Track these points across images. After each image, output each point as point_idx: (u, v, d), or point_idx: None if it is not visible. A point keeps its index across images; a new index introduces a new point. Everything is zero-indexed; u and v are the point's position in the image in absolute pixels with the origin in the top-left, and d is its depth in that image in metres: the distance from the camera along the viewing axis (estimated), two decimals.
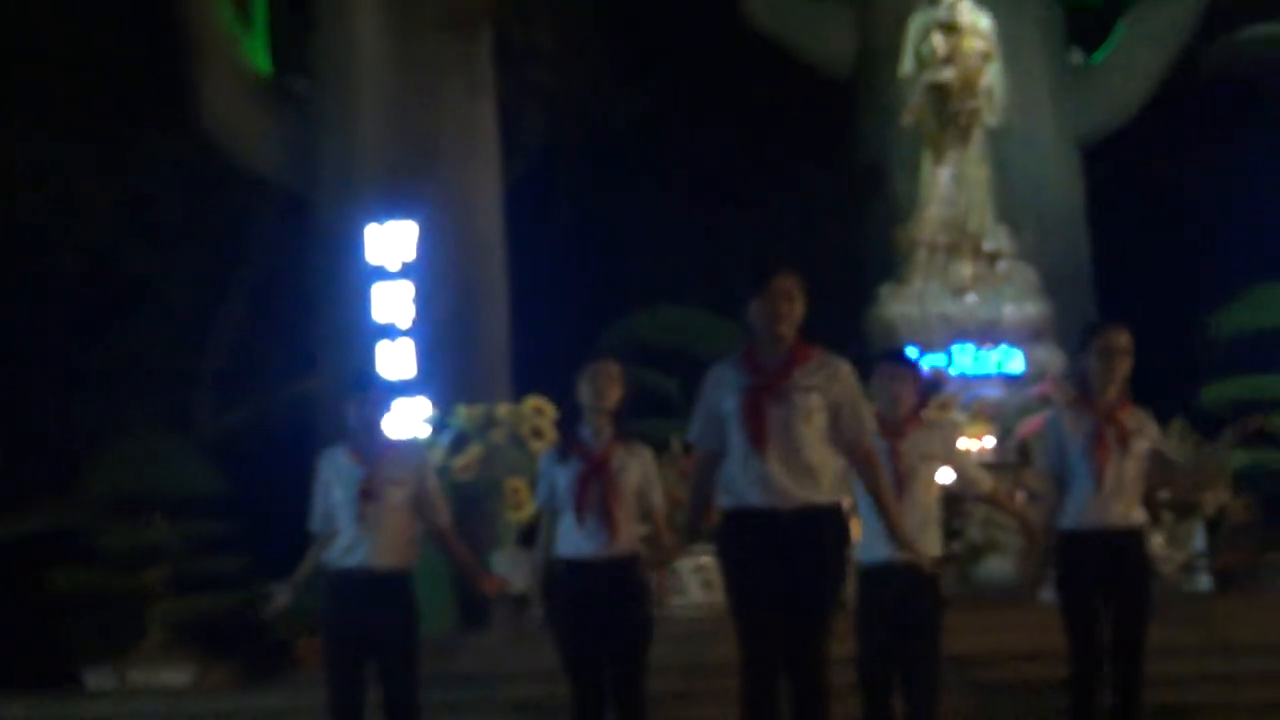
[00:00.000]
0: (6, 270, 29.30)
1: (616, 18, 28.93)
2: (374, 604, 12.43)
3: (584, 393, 12.09)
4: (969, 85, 20.56)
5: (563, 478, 12.09)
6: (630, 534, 12.16)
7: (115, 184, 28.80)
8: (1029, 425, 18.84)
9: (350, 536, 12.39)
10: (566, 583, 12.22)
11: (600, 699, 12.10)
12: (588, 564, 12.06)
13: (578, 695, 12.14)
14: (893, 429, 12.10)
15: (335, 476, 12.52)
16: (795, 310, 11.25)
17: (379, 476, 12.41)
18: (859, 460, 11.19)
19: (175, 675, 21.10)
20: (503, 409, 19.65)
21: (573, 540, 12.07)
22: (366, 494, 12.36)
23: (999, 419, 19.50)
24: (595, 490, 11.97)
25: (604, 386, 12.07)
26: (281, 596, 12.86)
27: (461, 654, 17.17)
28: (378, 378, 13.97)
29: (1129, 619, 12.11)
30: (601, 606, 12.13)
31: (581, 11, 28.56)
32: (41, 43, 28.20)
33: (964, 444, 18.84)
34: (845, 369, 11.08)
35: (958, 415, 19.14)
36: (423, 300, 20.86)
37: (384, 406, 13.05)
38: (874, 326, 20.10)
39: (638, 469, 12.10)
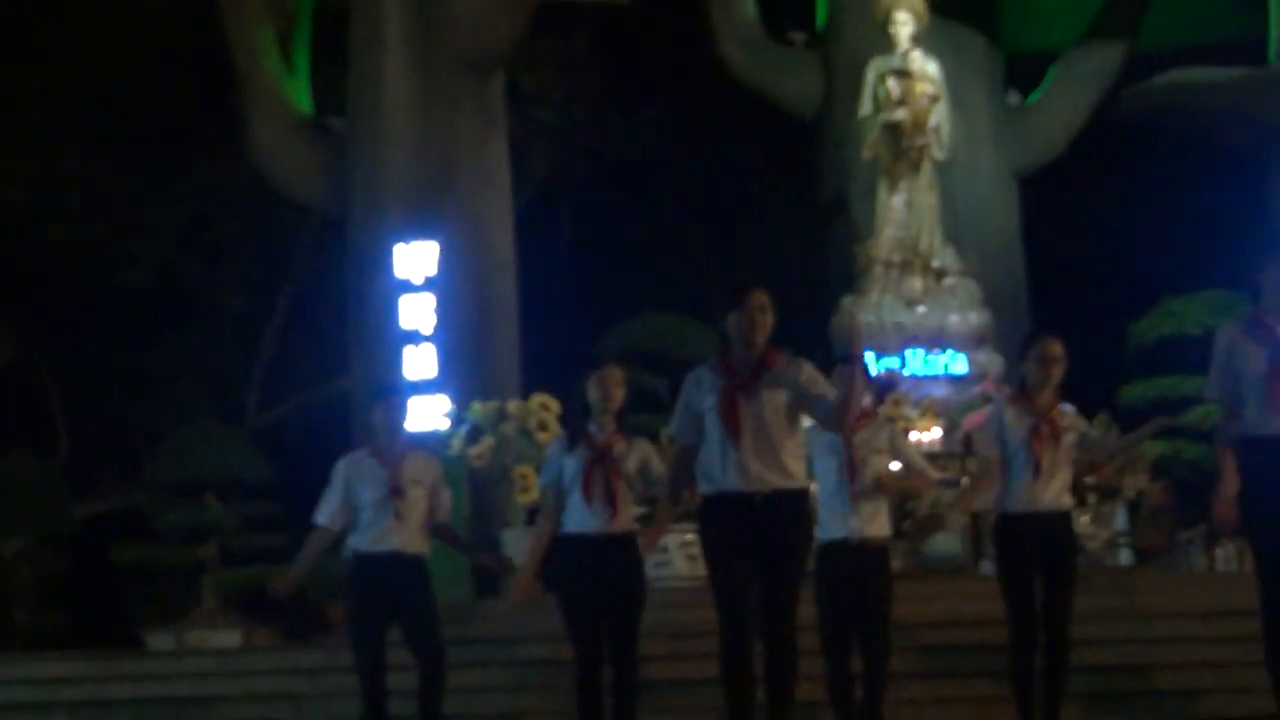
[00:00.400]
0: (80, 284, 29.33)
1: (613, 64, 29.02)
2: (400, 583, 12.51)
3: (592, 394, 12.18)
4: (919, 124, 20.62)
5: (570, 465, 12.17)
6: (628, 514, 12.24)
7: (174, 209, 28.84)
8: (973, 420, 18.89)
9: (381, 527, 12.45)
10: (573, 555, 12.34)
11: (598, 658, 12.15)
12: (593, 539, 12.11)
13: (579, 654, 12.18)
14: (852, 427, 12.22)
15: (360, 477, 12.56)
16: (768, 321, 11.38)
17: (404, 475, 12.50)
18: (833, 412, 11.16)
19: (225, 637, 21.15)
20: (513, 405, 19.69)
21: (579, 518, 12.11)
22: (396, 490, 12.44)
23: (946, 414, 19.56)
24: (600, 476, 12.07)
25: (611, 389, 12.16)
26: (282, 583, 12.99)
27: (477, 620, 17.22)
28: (399, 386, 13.97)
29: (1058, 589, 12.14)
30: (603, 576, 12.27)
31: (582, 58, 28.65)
32: (110, 87, 28.22)
33: (915, 436, 19.01)
34: (808, 366, 11.17)
35: (910, 411, 19.19)
36: (443, 310, 20.93)
37: (404, 412, 13.16)
38: (837, 333, 20.16)
39: (636, 458, 12.14)
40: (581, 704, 12.26)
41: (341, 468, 12.74)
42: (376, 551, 12.51)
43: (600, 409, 12.11)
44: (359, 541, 12.60)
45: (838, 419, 11.22)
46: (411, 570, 12.59)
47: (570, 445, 12.19)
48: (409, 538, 12.53)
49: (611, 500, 12.05)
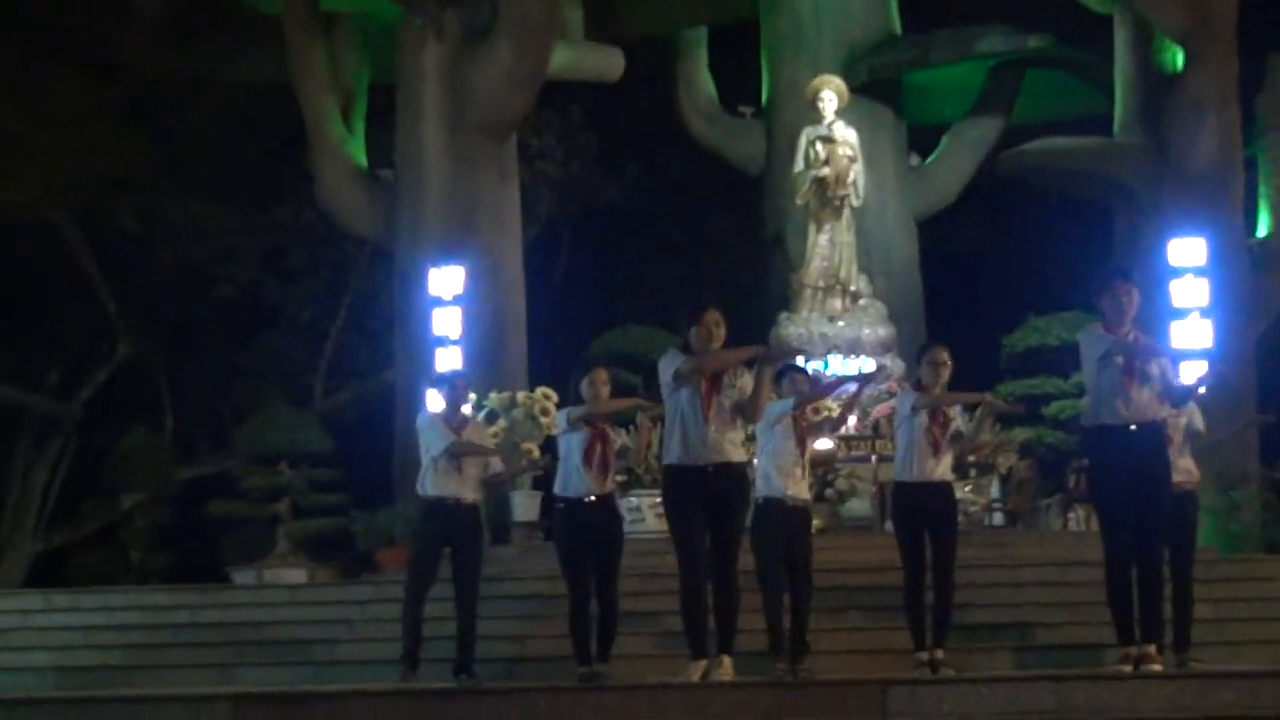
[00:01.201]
0: (184, 297, 29.31)
1: (601, 130, 29.00)
2: (457, 525, 12.65)
3: (585, 390, 12.31)
4: (840, 179, 20.54)
5: (573, 440, 12.26)
6: (613, 481, 12.49)
7: (259, 239, 28.80)
8: (880, 409, 18.95)
9: (446, 478, 12.59)
10: (570, 514, 12.37)
11: (588, 593, 12.26)
12: (586, 502, 12.23)
13: (573, 589, 12.30)
14: (801, 413, 12.24)
15: (435, 438, 12.65)
16: (720, 333, 11.54)
17: (465, 438, 12.64)
18: (750, 412, 11.57)
19: (294, 575, 21.13)
20: (521, 395, 19.65)
21: (576, 483, 12.24)
22: (456, 444, 12.58)
23: (860, 406, 19.57)
24: (599, 450, 12.18)
25: (599, 388, 12.31)
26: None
27: (492, 562, 17.18)
28: (460, 375, 14.00)
29: (943, 543, 12.24)
30: (593, 530, 12.31)
31: (577, 125, 28.63)
32: (210, 141, 28.22)
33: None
34: (745, 376, 11.53)
35: (832, 403, 19.17)
36: (467, 320, 20.90)
37: (463, 392, 13.35)
38: (775, 343, 20.12)
39: (618, 439, 12.46)
40: (576, 628, 12.32)
41: (428, 422, 12.95)
42: (441, 495, 12.60)
43: (590, 401, 12.20)
44: (429, 489, 12.68)
45: (749, 414, 11.60)
46: (468, 515, 12.76)
47: (574, 426, 12.27)
48: (467, 489, 12.69)
49: (605, 469, 12.21)
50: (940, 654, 12.10)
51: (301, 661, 15.23)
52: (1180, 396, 11.74)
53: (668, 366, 11.47)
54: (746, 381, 11.51)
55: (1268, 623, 14.67)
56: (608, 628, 12.37)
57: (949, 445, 12.33)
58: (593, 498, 12.23)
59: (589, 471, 12.20)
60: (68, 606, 17.72)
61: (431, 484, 12.68)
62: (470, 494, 12.72)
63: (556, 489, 12.48)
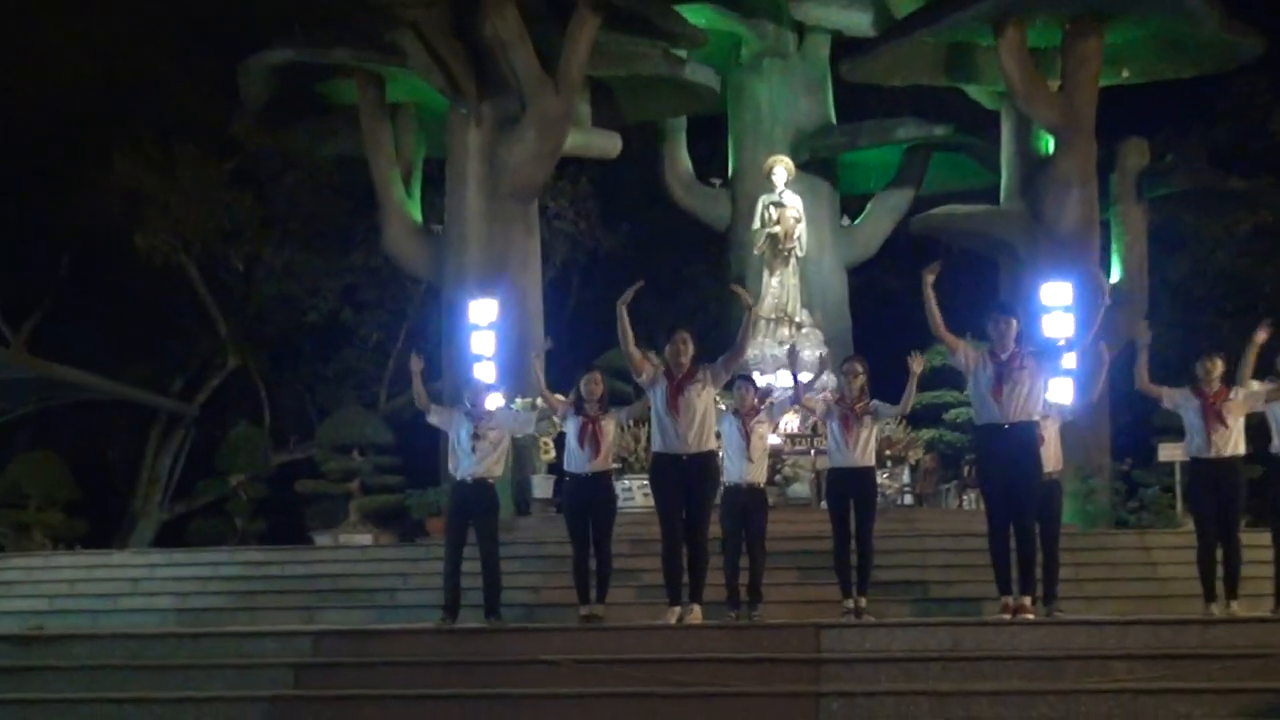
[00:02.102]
0: (279, 321, 29.35)
1: (603, 195, 28.99)
2: (478, 501, 12.52)
3: (584, 389, 12.30)
4: (788, 235, 20.57)
5: (572, 425, 12.28)
6: (607, 459, 12.37)
7: (340, 278, 28.82)
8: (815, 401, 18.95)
9: (468, 462, 12.47)
10: (573, 487, 12.41)
11: (587, 549, 12.21)
12: (584, 476, 12.20)
13: (577, 549, 12.28)
14: (745, 414, 12.22)
15: (459, 425, 12.60)
16: (687, 350, 11.69)
17: (482, 428, 12.54)
18: (733, 365, 12.04)
19: (361, 538, 21.05)
20: (539, 400, 19.66)
21: (576, 461, 12.23)
22: (476, 436, 12.50)
23: (801, 410, 19.54)
24: (591, 434, 12.13)
25: (593, 387, 12.31)
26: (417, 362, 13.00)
27: (515, 529, 17.18)
28: (478, 383, 14.01)
29: (864, 517, 12.21)
30: (590, 499, 12.28)
31: (585, 191, 28.62)
32: (303, 203, 28.41)
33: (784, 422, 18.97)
34: (709, 369, 11.83)
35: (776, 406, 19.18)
36: (499, 342, 20.81)
37: (483, 395, 13.30)
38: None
39: (612, 423, 12.36)
40: (578, 580, 12.30)
41: (454, 411, 12.91)
42: (464, 478, 12.49)
43: (589, 399, 12.20)
44: (455, 469, 12.58)
45: (720, 374, 11.93)
46: (486, 492, 12.58)
47: (574, 414, 12.29)
48: (486, 469, 12.50)
49: (596, 449, 12.11)
50: (863, 602, 12.09)
51: (367, 606, 15.24)
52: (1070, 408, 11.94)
53: (650, 375, 11.86)
54: (714, 370, 11.83)
55: (1115, 583, 14.77)
56: (603, 577, 12.35)
57: (866, 435, 12.28)
58: (589, 472, 12.18)
59: (583, 450, 12.14)
60: (185, 562, 17.68)
61: (452, 466, 12.63)
62: (484, 473, 12.49)
63: (565, 467, 12.54)
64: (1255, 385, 12.00)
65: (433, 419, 12.98)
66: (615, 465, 16.87)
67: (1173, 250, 26.27)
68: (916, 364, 12.38)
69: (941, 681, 9.96)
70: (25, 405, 24.44)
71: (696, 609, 11.59)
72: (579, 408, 12.31)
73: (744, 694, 10.01)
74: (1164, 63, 21.89)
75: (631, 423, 13.96)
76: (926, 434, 20.83)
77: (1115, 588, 14.50)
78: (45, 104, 26.80)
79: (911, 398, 12.54)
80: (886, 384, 13.11)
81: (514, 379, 20.53)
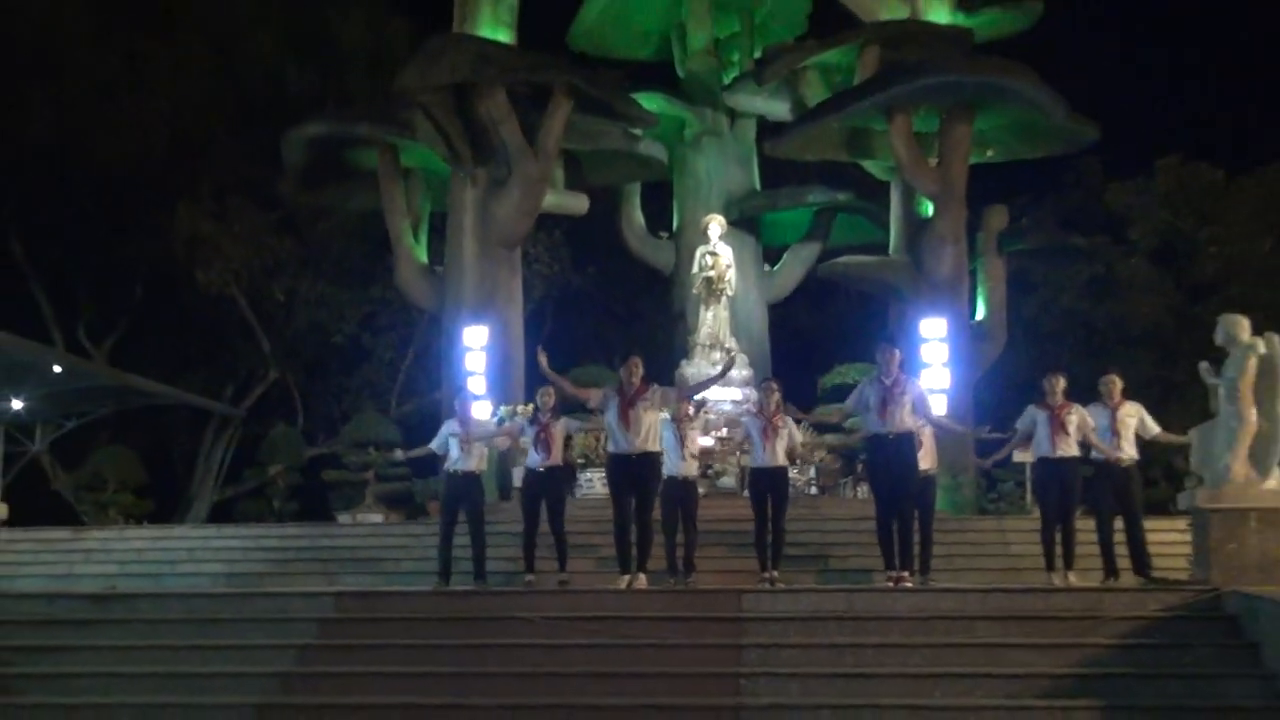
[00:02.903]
0: (312, 343, 29.15)
1: (574, 244, 29.01)
2: (466, 490, 12.52)
3: (539, 400, 12.42)
4: (721, 278, 20.58)
5: (530, 431, 12.37)
6: (558, 457, 12.40)
7: (360, 307, 28.77)
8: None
9: (457, 458, 12.48)
10: (529, 479, 12.51)
11: (536, 531, 12.44)
12: (538, 470, 12.34)
13: (527, 526, 12.45)
14: (679, 420, 12.21)
15: (450, 431, 12.58)
16: (639, 372, 11.60)
17: (470, 435, 12.56)
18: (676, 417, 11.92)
19: (375, 517, 20.91)
20: (520, 407, 19.51)
21: (533, 459, 12.34)
22: (464, 440, 12.50)
23: (732, 420, 19.51)
24: (543, 437, 12.22)
25: (547, 399, 12.40)
26: (400, 453, 13.33)
27: (498, 511, 17.09)
28: (467, 393, 13.97)
29: (777, 505, 12.17)
30: (544, 489, 12.35)
31: (558, 241, 28.65)
32: (334, 244, 28.29)
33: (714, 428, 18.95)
34: (660, 390, 11.68)
35: (713, 417, 19.17)
36: (488, 361, 20.78)
37: (469, 407, 13.15)
38: (678, 379, 20.05)
39: (562, 427, 12.42)
40: (526, 551, 12.55)
41: (445, 425, 12.79)
42: (455, 470, 12.51)
43: (544, 409, 12.22)
44: (448, 465, 12.57)
45: (670, 400, 11.90)
46: (473, 482, 12.57)
47: (530, 423, 12.40)
48: (472, 464, 12.52)
49: (548, 449, 12.18)
50: (776, 574, 12.07)
51: (378, 572, 15.19)
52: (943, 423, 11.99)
53: (606, 399, 11.74)
54: (662, 393, 11.74)
55: (977, 558, 14.83)
56: (561, 550, 12.50)
57: (782, 441, 12.29)
58: (542, 468, 12.28)
59: (537, 450, 12.27)
60: (232, 535, 17.53)
61: (447, 461, 12.62)
62: (471, 468, 12.52)
63: (527, 464, 12.58)
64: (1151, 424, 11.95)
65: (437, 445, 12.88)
66: (579, 460, 16.89)
67: (1026, 293, 26.53)
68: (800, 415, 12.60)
69: (837, 636, 10.01)
70: (105, 407, 24.29)
71: (643, 576, 11.58)
72: (534, 417, 12.39)
73: (680, 645, 10.01)
74: (1021, 145, 22.08)
75: (585, 432, 14.07)
76: (829, 439, 20.80)
77: (977, 562, 14.57)
78: (124, 164, 26.89)
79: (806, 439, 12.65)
80: (797, 397, 13.15)
81: (499, 390, 20.52)
